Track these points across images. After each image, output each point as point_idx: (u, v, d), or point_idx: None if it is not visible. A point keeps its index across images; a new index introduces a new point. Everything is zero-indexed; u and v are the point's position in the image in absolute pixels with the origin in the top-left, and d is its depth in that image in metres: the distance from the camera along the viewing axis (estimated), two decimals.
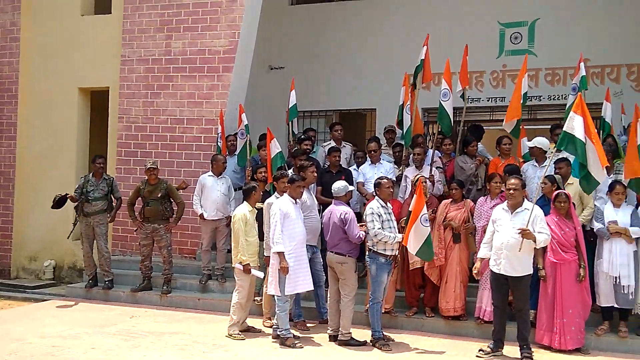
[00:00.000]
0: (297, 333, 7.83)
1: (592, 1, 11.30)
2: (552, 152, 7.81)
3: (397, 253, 7.50)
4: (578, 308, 7.18)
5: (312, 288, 7.83)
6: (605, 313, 7.50)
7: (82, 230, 9.90)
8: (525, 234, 6.71)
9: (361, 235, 7.42)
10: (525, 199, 7.14)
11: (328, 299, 7.82)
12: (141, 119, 11.21)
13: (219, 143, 10.32)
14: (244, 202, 8.13)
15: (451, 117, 8.76)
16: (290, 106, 10.17)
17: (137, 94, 11.27)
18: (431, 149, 9.10)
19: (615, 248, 7.31)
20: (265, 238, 7.96)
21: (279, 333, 7.55)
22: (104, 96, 11.65)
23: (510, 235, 6.86)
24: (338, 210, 7.54)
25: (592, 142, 6.74)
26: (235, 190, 9.70)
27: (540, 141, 8.50)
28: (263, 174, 8.86)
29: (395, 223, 7.53)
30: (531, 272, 6.97)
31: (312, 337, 7.82)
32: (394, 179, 8.57)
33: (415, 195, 7.37)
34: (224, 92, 10.72)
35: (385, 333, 7.57)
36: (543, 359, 6.99)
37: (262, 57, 12.28)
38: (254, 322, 8.27)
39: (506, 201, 7.12)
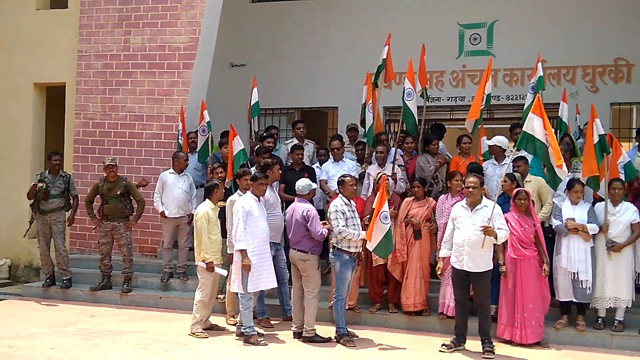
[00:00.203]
0: (261, 330, 7.81)
1: (549, 4, 11.55)
2: (511, 150, 7.98)
3: (360, 250, 7.54)
4: (538, 303, 7.33)
5: (276, 285, 7.82)
6: (563, 307, 7.69)
7: (39, 229, 9.68)
8: (487, 231, 6.83)
9: (324, 233, 7.44)
10: (484, 197, 7.26)
11: (292, 296, 7.82)
12: (99, 115, 11.01)
13: (179, 140, 10.22)
14: (206, 199, 8.06)
15: (416, 116, 8.85)
16: (252, 104, 10.13)
17: (94, 90, 11.06)
18: (393, 147, 9.16)
19: (573, 244, 7.49)
20: (228, 236, 7.92)
21: (242, 331, 7.52)
22: (61, 92, 11.41)
23: (471, 232, 6.97)
24: (300, 208, 7.54)
25: (549, 142, 6.89)
26: (196, 187, 9.61)
27: (500, 140, 8.66)
28: (220, 174, 8.74)
29: (358, 220, 7.57)
30: (492, 267, 7.10)
31: (277, 334, 7.81)
32: (357, 176, 8.62)
33: (378, 193, 7.41)
34: (184, 89, 10.61)
35: (349, 329, 7.61)
36: (504, 353, 7.10)
37: (224, 54, 12.19)
38: (217, 320, 8.22)
39: (465, 199, 7.22)
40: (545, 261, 7.37)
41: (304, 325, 7.53)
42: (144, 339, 7.60)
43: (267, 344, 7.37)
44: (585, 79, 11.38)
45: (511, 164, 7.82)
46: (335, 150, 9.22)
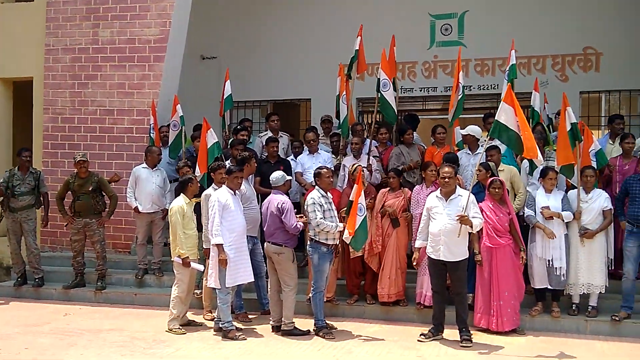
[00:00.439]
0: (239, 325, 7.77)
1: None
2: (485, 140, 8.04)
3: (338, 242, 7.54)
4: (513, 290, 7.41)
5: (253, 279, 7.77)
6: (538, 294, 7.78)
7: (9, 227, 9.50)
8: (462, 220, 6.87)
9: (298, 225, 7.41)
10: (458, 186, 7.30)
11: (269, 289, 7.79)
12: (68, 110, 10.85)
13: (151, 134, 10.09)
14: (181, 194, 7.97)
15: (394, 106, 8.81)
16: (225, 97, 10.03)
17: (63, 85, 10.89)
18: (368, 138, 9.16)
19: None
20: (203, 230, 7.85)
21: (221, 326, 7.47)
22: (28, 86, 11.18)
23: (446, 221, 7.01)
24: (275, 200, 7.50)
25: (523, 131, 6.94)
26: (170, 182, 9.50)
27: (473, 129, 8.73)
28: (186, 173, 8.51)
29: (336, 212, 7.56)
30: (467, 256, 7.16)
31: (255, 329, 7.78)
32: (333, 168, 8.61)
33: (355, 185, 7.40)
34: (155, 82, 10.49)
35: (327, 321, 7.61)
36: (482, 341, 7.17)
37: (194, 47, 12.03)
38: (195, 316, 8.15)
39: (439, 189, 7.25)
40: (522, 249, 7.45)
41: (283, 319, 7.50)
42: (120, 336, 7.51)
43: (245, 339, 7.33)
44: (555, 68, 11.50)
45: (484, 153, 7.88)
46: (311, 142, 9.20)
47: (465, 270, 7.19)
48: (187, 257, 7.69)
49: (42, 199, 9.62)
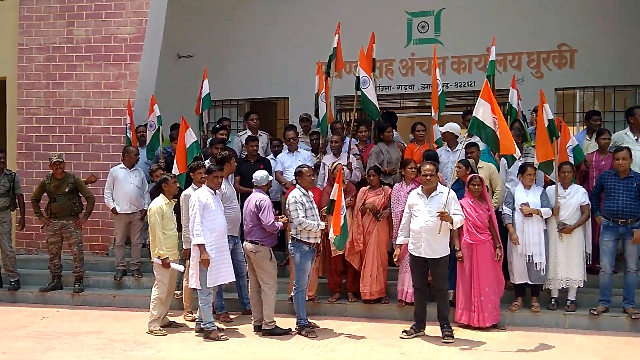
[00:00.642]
0: (221, 325, 7.72)
1: None
2: (464, 137, 8.09)
3: (319, 241, 7.53)
4: (494, 286, 7.47)
5: (234, 279, 7.73)
6: (518, 290, 7.85)
7: None
8: (443, 216, 6.90)
9: (276, 224, 7.36)
10: (439, 183, 7.34)
11: (249, 289, 7.75)
12: (43, 110, 10.71)
13: (128, 134, 9.99)
14: (160, 194, 7.88)
15: (376, 103, 8.77)
16: (203, 96, 9.96)
17: (37, 84, 10.74)
18: (347, 136, 9.15)
19: (527, 228, 7.64)
20: (183, 230, 7.78)
21: (202, 326, 7.42)
22: (1, 87, 11.01)
23: (427, 218, 7.04)
24: (254, 198, 7.46)
25: (499, 127, 7.00)
26: (148, 182, 9.41)
27: (452, 126, 8.76)
28: (160, 176, 8.28)
29: (317, 211, 7.54)
30: (449, 253, 7.20)
31: (237, 329, 7.74)
32: (313, 166, 8.58)
33: (336, 183, 7.39)
34: (132, 81, 10.39)
35: (310, 320, 7.60)
36: (463, 336, 7.22)
37: (170, 46, 11.94)
38: (175, 317, 8.08)
39: (421, 186, 7.28)
40: (498, 246, 7.51)
41: (264, 318, 7.47)
42: (99, 339, 7.42)
43: (227, 339, 7.29)
44: (531, 65, 11.64)
45: (464, 150, 7.92)
46: (291, 140, 9.17)
47: (446, 267, 7.22)
48: (167, 257, 7.62)
49: (17, 200, 9.47)
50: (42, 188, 9.19)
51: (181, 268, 7.80)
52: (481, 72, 11.55)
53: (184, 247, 7.83)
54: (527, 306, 7.78)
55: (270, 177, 7.70)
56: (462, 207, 7.33)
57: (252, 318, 7.66)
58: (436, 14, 11.95)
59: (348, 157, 8.73)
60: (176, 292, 8.27)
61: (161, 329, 7.62)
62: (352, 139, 9.07)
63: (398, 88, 12.14)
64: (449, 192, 7.02)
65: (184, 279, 8.02)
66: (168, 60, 12.04)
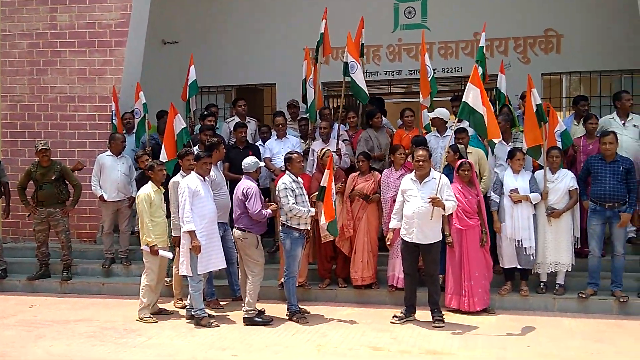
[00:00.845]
0: (211, 312, 7.71)
1: None
2: (453, 122, 8.09)
3: (309, 227, 7.52)
4: (483, 271, 7.52)
5: (225, 266, 7.70)
6: (507, 274, 7.90)
7: None
8: (435, 202, 6.91)
9: (264, 212, 7.30)
10: (432, 169, 7.35)
11: (239, 276, 7.73)
12: (27, 97, 10.57)
13: (114, 121, 9.89)
14: (149, 182, 7.83)
15: (365, 88, 8.72)
16: (190, 82, 9.88)
17: (21, 71, 10.59)
18: (336, 122, 9.12)
19: (516, 213, 7.68)
20: (172, 218, 7.74)
21: (193, 313, 7.40)
22: None
23: (420, 204, 7.05)
24: (242, 185, 7.41)
25: (488, 112, 7.04)
26: (136, 169, 9.33)
27: (441, 112, 8.75)
28: (145, 162, 8.37)
29: (307, 197, 7.53)
30: (440, 238, 7.22)
31: (227, 315, 7.74)
32: (302, 153, 8.56)
33: (327, 170, 7.37)
34: (118, 67, 10.26)
35: (300, 306, 7.60)
36: (453, 321, 7.27)
37: (155, 32, 11.79)
38: (165, 304, 8.06)
39: (414, 171, 7.28)
40: (484, 231, 7.54)
41: (245, 305, 7.42)
42: (90, 327, 7.38)
43: (219, 325, 7.29)
44: (517, 50, 11.65)
45: (453, 135, 7.93)
46: (280, 126, 9.13)
47: (438, 252, 7.25)
48: (155, 245, 7.58)
49: (2, 189, 9.37)
50: (28, 176, 9.09)
51: (169, 255, 7.77)
52: (468, 57, 11.57)
53: (173, 234, 7.79)
54: (517, 290, 7.84)
55: (260, 164, 7.64)
56: None
57: (243, 305, 7.64)
58: (423, 0, 11.91)
59: (337, 143, 8.71)
60: (166, 279, 8.23)
61: (151, 316, 7.60)
62: (341, 125, 9.05)
63: (385, 74, 12.10)
64: (440, 178, 7.03)
65: (174, 267, 8.00)
66: (153, 47, 11.89)
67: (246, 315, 7.38)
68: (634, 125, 8.48)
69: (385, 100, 10.83)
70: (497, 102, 8.90)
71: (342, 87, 9.05)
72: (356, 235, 8.15)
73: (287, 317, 7.47)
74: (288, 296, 7.49)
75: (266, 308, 7.68)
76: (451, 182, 7.54)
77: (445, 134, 8.57)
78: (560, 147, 8.01)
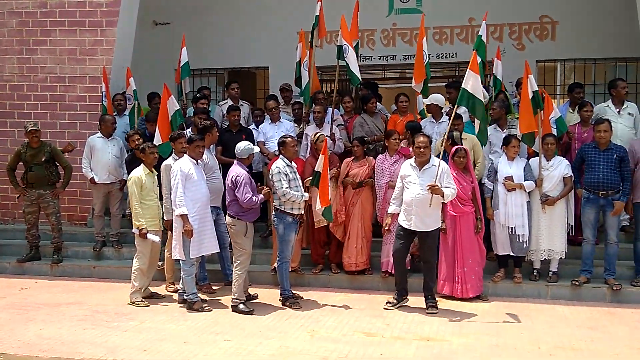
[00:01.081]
0: (204, 296, 7.66)
1: None
2: (450, 107, 8.04)
3: (303, 212, 7.47)
4: (477, 257, 7.51)
5: (218, 250, 7.65)
6: (501, 261, 7.90)
7: None
8: (434, 189, 6.85)
9: (254, 199, 7.16)
10: (432, 156, 7.29)
11: (233, 261, 7.67)
12: (16, 77, 10.40)
13: (104, 102, 9.76)
14: (141, 164, 7.74)
15: (356, 70, 8.63)
16: (182, 64, 9.74)
17: (10, 50, 10.42)
18: (330, 106, 9.05)
19: (510, 200, 7.66)
20: (164, 201, 7.66)
21: (185, 297, 7.35)
22: None
23: (419, 191, 6.99)
24: (231, 172, 7.30)
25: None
26: (127, 152, 9.23)
27: (437, 98, 8.69)
28: (136, 141, 8.28)
29: (300, 182, 7.46)
30: (439, 225, 7.19)
31: (220, 300, 7.69)
32: (296, 137, 8.49)
33: (322, 155, 7.30)
34: (109, 48, 10.11)
35: (293, 291, 7.57)
36: (446, 307, 7.26)
37: (146, 12, 11.62)
38: (156, 288, 8.01)
39: (414, 158, 7.21)
40: (478, 218, 7.53)
41: (232, 293, 7.33)
42: (81, 310, 7.32)
43: (211, 310, 7.24)
44: (512, 37, 11.58)
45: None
46: (273, 110, 9.04)
47: (435, 240, 7.22)
48: (145, 228, 7.50)
49: None
50: (18, 157, 8.97)
51: (157, 239, 7.61)
52: (463, 43, 11.50)
53: (165, 218, 7.72)
54: (510, 277, 7.84)
55: (255, 150, 7.46)
56: None
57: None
58: None
59: (331, 127, 8.65)
60: (158, 263, 8.16)
61: (143, 300, 7.55)
62: (336, 109, 8.97)
63: (379, 59, 12.00)
64: (440, 164, 6.97)
65: (166, 250, 7.93)
66: (144, 28, 11.71)
67: (232, 303, 7.31)
68: (629, 113, 8.48)
69: (379, 85, 10.73)
70: (494, 88, 8.84)
71: (337, 71, 8.96)
72: (350, 220, 8.11)
73: (280, 302, 7.43)
74: (281, 281, 7.45)
75: (259, 293, 7.65)
76: None
77: (440, 120, 8.52)
78: (555, 134, 7.99)
